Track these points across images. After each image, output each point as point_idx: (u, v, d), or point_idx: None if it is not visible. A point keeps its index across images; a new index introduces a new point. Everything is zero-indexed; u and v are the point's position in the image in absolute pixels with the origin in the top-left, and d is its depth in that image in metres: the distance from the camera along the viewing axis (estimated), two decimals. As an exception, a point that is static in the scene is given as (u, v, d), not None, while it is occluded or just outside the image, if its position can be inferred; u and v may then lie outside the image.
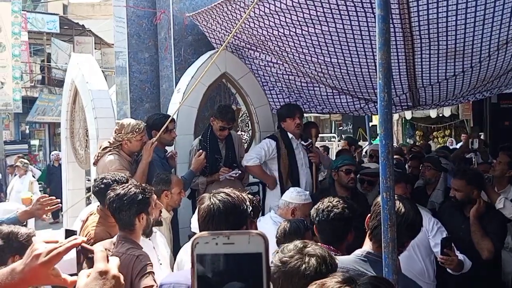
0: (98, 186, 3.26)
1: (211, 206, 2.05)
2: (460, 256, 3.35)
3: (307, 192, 3.85)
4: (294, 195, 3.72)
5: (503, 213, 3.81)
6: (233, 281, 0.73)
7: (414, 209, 2.36)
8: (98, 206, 3.34)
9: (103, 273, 1.14)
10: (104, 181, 3.26)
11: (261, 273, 0.72)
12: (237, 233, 0.74)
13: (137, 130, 4.30)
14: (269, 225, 3.67)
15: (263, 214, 4.88)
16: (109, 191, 2.81)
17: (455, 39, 3.85)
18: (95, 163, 4.46)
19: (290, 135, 4.83)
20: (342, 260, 2.27)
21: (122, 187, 2.78)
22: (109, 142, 4.40)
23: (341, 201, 2.73)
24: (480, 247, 3.61)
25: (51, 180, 12.43)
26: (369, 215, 2.40)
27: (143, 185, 2.91)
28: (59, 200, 3.66)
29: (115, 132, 4.37)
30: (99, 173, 4.24)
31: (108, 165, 4.19)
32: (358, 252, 2.32)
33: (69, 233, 3.19)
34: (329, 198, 2.80)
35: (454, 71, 4.51)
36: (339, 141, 16.44)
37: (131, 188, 2.76)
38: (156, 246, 3.12)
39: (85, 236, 3.09)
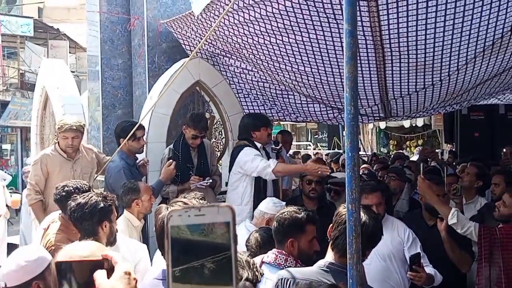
0: (59, 194, 3.25)
1: None
2: (431, 270, 3.36)
3: (283, 203, 3.81)
4: (270, 206, 3.71)
5: (456, 229, 3.56)
6: (204, 248, 0.79)
7: (373, 218, 2.39)
8: (59, 214, 3.30)
9: (128, 273, 1.26)
10: (66, 188, 3.26)
11: (229, 238, 0.79)
12: (207, 206, 0.81)
13: (59, 127, 4.40)
14: (243, 234, 3.66)
15: None
16: (69, 201, 2.78)
17: (424, 53, 3.92)
18: None
19: (258, 146, 4.58)
20: (304, 271, 2.28)
21: (83, 196, 2.76)
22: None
23: (290, 208, 2.77)
24: (462, 262, 3.59)
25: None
26: (331, 225, 2.41)
27: (104, 192, 2.89)
28: None
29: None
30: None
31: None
32: (320, 262, 2.33)
33: (11, 247, 3.16)
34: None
35: (424, 84, 4.59)
36: (314, 149, 16.57)
37: (92, 196, 2.74)
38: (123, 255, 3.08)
39: (46, 244, 3.05)
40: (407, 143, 16.49)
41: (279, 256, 2.63)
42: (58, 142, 4.45)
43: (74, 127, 4.39)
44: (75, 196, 2.84)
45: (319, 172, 4.15)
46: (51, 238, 3.09)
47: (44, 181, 4.44)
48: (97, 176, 4.70)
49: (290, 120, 6.58)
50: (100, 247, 1.54)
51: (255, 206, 4.11)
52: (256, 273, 1.44)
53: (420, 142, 15.81)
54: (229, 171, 4.65)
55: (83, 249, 1.46)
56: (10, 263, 2.15)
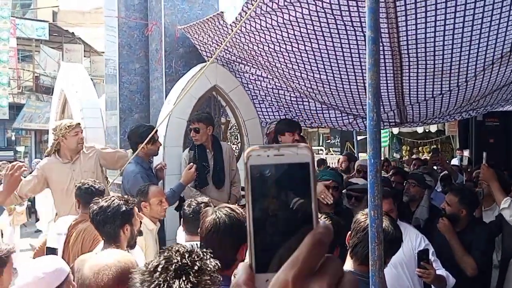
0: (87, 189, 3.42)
1: (217, 219, 2.10)
2: (443, 272, 3.33)
3: None
4: None
5: (503, 215, 3.75)
6: (283, 188, 0.76)
7: (393, 224, 2.37)
8: (80, 212, 3.44)
9: None
10: (85, 184, 3.47)
11: (309, 180, 0.76)
12: (286, 146, 0.77)
13: (68, 125, 4.52)
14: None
15: None
16: (91, 204, 2.81)
17: (442, 59, 3.91)
18: None
19: None
20: None
21: (105, 199, 2.78)
22: (50, 147, 4.69)
23: (324, 218, 2.72)
24: (464, 265, 3.60)
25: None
26: (349, 232, 2.40)
27: (126, 196, 2.92)
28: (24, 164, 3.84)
29: (52, 134, 4.61)
30: None
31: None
32: None
33: (50, 251, 3.21)
34: None
35: (441, 90, 4.58)
36: (326, 154, 16.54)
37: (114, 200, 2.75)
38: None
39: (74, 253, 3.11)
40: (420, 148, 16.37)
41: None
42: (58, 150, 4.57)
43: (78, 123, 4.66)
44: (97, 199, 2.87)
45: (323, 197, 3.90)
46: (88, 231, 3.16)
47: (36, 184, 4.54)
48: (114, 180, 4.75)
49: (304, 125, 6.60)
50: None
51: None
52: None
53: (433, 148, 15.68)
54: None
55: None
56: (27, 275, 2.12)
